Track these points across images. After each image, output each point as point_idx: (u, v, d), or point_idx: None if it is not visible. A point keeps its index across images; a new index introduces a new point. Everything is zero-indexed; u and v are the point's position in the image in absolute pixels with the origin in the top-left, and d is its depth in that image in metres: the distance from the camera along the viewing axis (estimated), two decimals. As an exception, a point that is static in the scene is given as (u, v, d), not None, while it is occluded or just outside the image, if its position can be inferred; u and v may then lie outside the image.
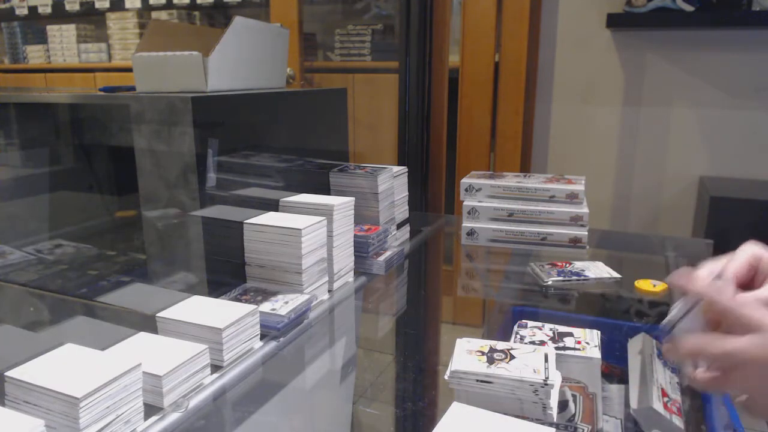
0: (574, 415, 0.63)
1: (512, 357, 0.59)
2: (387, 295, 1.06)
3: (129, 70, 1.06)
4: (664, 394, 0.68)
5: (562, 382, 0.61)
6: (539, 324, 0.73)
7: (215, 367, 0.70)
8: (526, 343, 0.67)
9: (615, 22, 1.93)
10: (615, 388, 0.76)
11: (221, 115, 0.99)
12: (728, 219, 1.65)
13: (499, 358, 0.59)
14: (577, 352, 0.66)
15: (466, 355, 0.60)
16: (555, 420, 0.56)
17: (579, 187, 1.18)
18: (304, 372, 0.81)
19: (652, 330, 0.88)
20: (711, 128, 1.96)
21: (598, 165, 2.12)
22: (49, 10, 3.21)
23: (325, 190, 1.08)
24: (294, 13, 2.34)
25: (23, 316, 0.94)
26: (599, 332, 0.70)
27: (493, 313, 1.08)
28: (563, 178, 1.25)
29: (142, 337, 0.70)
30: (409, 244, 1.22)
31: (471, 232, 1.23)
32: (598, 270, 1.06)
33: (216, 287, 0.89)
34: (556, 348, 0.66)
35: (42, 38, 3.28)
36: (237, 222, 0.88)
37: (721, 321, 0.52)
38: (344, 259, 0.97)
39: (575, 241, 1.18)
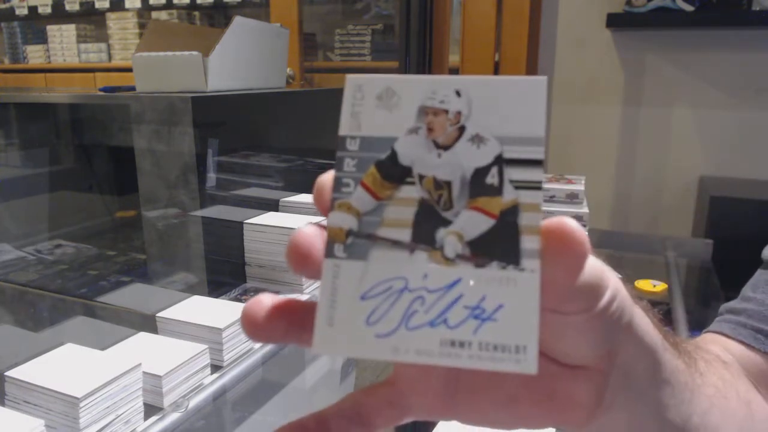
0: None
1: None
2: (387, 295, 1.06)
3: (129, 70, 1.06)
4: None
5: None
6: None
7: (215, 367, 0.70)
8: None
9: (615, 22, 1.93)
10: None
11: (221, 115, 0.99)
12: (728, 219, 1.65)
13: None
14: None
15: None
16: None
17: (579, 187, 1.18)
18: (304, 372, 0.81)
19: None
20: (711, 128, 1.96)
21: (598, 165, 2.12)
22: (49, 10, 3.21)
23: (325, 190, 1.08)
24: (294, 13, 2.34)
25: (23, 316, 0.94)
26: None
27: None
28: (563, 178, 1.25)
29: (142, 337, 0.70)
30: (409, 244, 1.22)
31: (471, 232, 1.23)
32: (598, 270, 1.06)
33: (216, 287, 0.89)
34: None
35: (42, 38, 3.28)
36: (237, 222, 0.88)
37: None
38: (344, 259, 0.97)
39: (575, 241, 1.18)
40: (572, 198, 1.18)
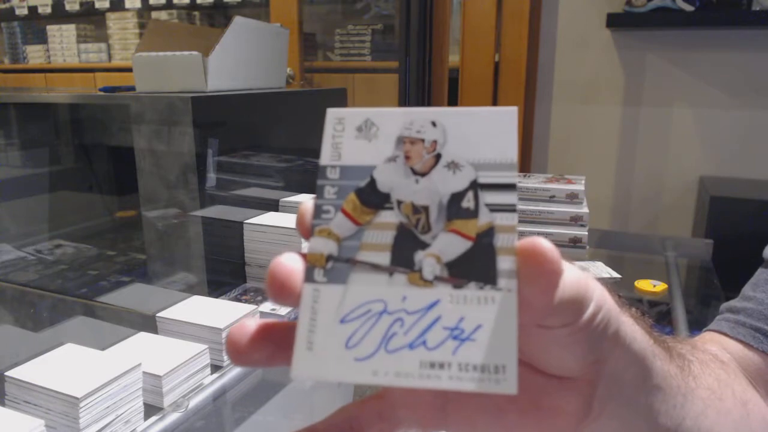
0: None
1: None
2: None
3: (129, 70, 1.06)
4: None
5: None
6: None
7: (215, 367, 0.70)
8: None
9: (615, 22, 1.93)
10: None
11: (221, 115, 0.99)
12: (728, 219, 1.65)
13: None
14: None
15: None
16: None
17: (579, 187, 1.18)
18: (304, 372, 0.81)
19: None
20: (711, 128, 1.96)
21: (598, 165, 2.12)
22: (49, 10, 3.21)
23: (325, 190, 1.08)
24: (294, 13, 2.34)
25: (23, 316, 0.94)
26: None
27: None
28: (563, 178, 1.25)
29: (142, 337, 0.70)
30: (409, 244, 1.22)
31: (471, 232, 1.23)
32: (598, 270, 1.06)
33: (216, 287, 0.89)
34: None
35: (42, 38, 3.28)
36: (237, 222, 0.88)
37: None
38: (344, 259, 0.97)
39: (575, 241, 1.18)
40: (572, 198, 1.18)
